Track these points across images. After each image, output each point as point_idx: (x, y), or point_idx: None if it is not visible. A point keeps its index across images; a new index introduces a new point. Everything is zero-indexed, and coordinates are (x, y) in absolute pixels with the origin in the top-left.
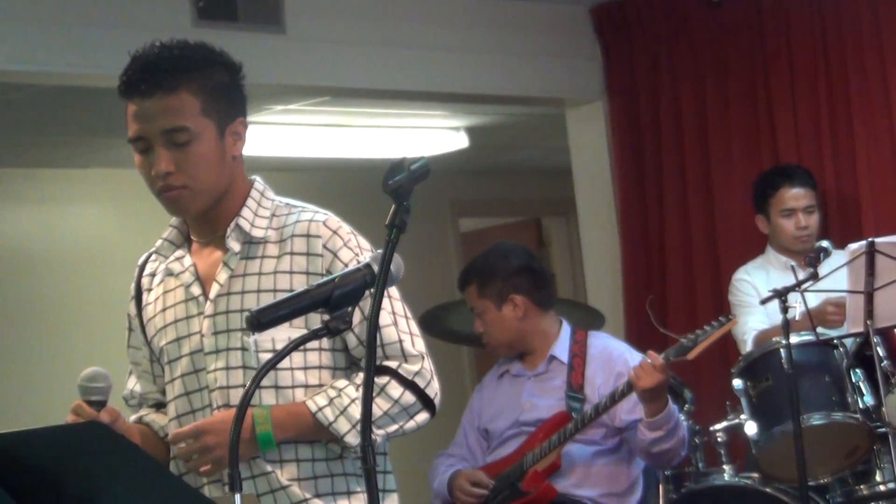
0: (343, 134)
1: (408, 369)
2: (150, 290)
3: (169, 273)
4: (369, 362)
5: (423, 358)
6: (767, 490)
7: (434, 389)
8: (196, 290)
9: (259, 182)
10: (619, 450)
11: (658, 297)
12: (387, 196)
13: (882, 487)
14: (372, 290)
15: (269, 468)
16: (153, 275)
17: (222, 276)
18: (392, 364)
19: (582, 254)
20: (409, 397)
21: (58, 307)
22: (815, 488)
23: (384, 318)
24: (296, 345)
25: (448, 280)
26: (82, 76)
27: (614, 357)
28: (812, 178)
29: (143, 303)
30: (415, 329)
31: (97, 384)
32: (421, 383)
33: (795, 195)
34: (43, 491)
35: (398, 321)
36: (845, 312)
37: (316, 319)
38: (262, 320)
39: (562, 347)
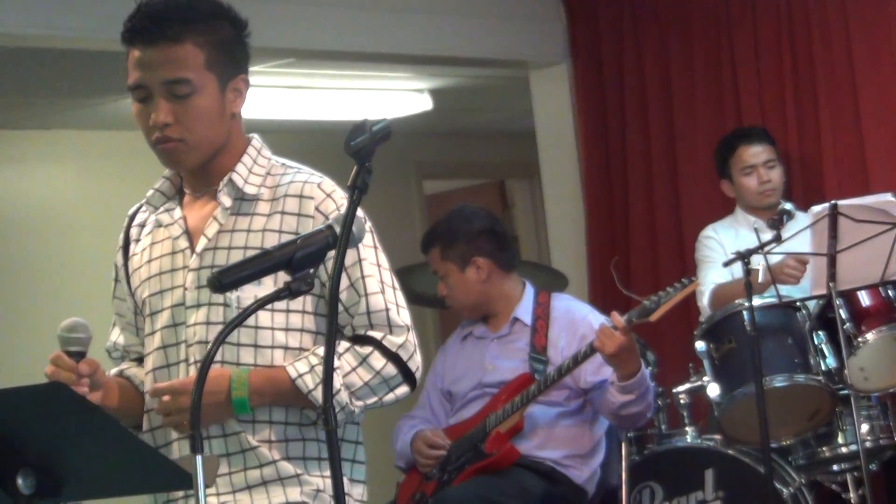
0: (307, 96)
1: (392, 341)
2: (137, 240)
3: (158, 224)
4: (330, 324)
5: (408, 330)
6: (730, 452)
7: (416, 363)
8: (183, 242)
9: (257, 140)
10: (582, 411)
11: (621, 260)
12: (350, 158)
13: (844, 449)
14: (350, 250)
15: (239, 428)
16: (142, 225)
17: (211, 230)
18: (377, 334)
19: (546, 216)
20: (391, 369)
21: (20, 268)
22: (778, 450)
23: (373, 285)
24: (259, 305)
25: (413, 242)
26: (44, 37)
27: (577, 319)
28: (768, 134)
29: (130, 253)
30: (402, 300)
31: (76, 335)
32: (404, 356)
33: (754, 152)
34: (3, 453)
35: (386, 290)
36: (804, 271)
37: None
38: (223, 281)
39: (525, 309)
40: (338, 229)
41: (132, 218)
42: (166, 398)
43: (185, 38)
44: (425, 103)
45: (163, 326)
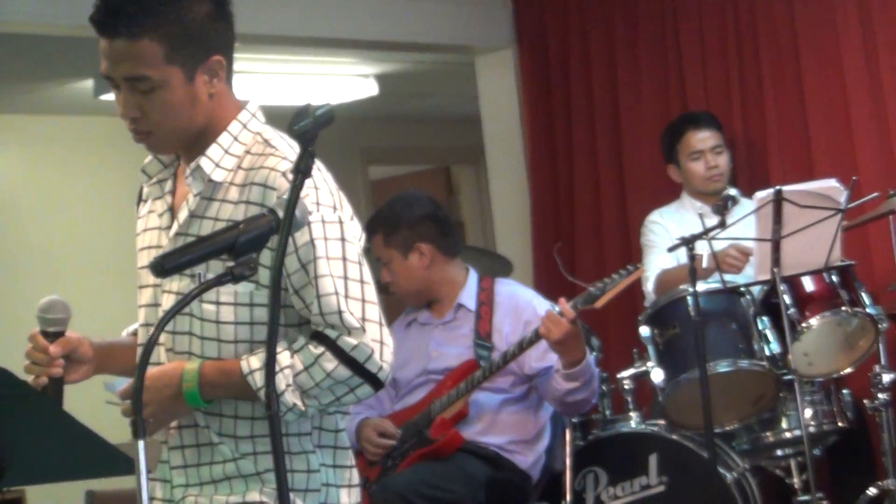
0: (252, 81)
1: (347, 342)
2: (145, 200)
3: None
4: (272, 314)
5: (364, 331)
6: (674, 437)
7: (377, 364)
8: (166, 220)
9: (246, 111)
10: (526, 397)
11: (567, 246)
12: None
13: (788, 434)
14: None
15: (202, 422)
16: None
17: (182, 214)
18: (332, 334)
19: (491, 201)
20: (343, 371)
21: None
22: (721, 435)
23: (326, 285)
24: (200, 291)
25: None
26: None
27: (521, 305)
28: (716, 119)
29: (139, 212)
30: (370, 295)
31: (53, 315)
32: (359, 358)
33: (702, 137)
34: None
35: (349, 287)
36: (746, 261)
37: (267, 276)
38: (165, 266)
39: (469, 295)
40: (280, 214)
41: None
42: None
43: (141, 34)
44: (371, 88)
45: (146, 304)
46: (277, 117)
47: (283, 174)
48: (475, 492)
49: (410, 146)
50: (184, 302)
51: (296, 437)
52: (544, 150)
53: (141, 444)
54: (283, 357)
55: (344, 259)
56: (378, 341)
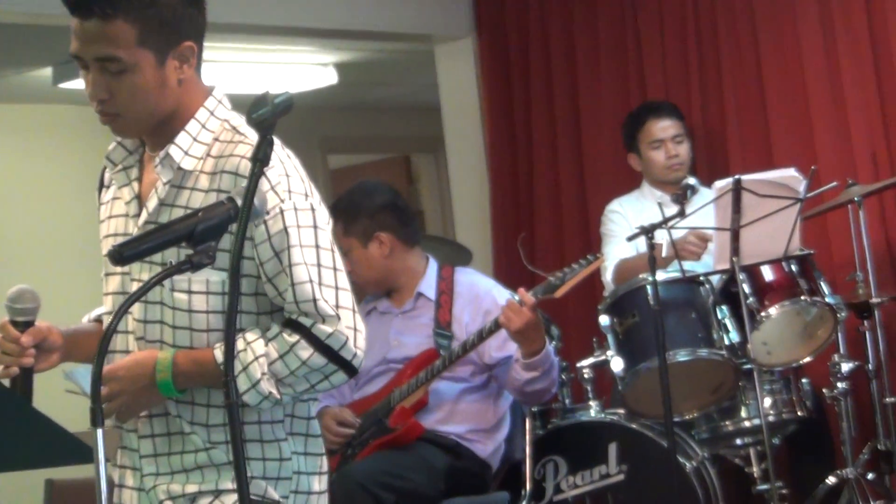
0: (211, 69)
1: (321, 330)
2: (108, 186)
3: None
4: (231, 300)
5: (339, 318)
6: (633, 426)
7: (351, 351)
8: (133, 208)
9: (213, 98)
10: (486, 387)
11: (526, 235)
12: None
13: (747, 423)
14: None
15: (173, 411)
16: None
17: (152, 202)
18: (306, 322)
19: (451, 190)
20: (319, 359)
21: None
22: (681, 424)
23: (301, 273)
24: (158, 280)
25: None
26: None
27: (481, 294)
28: (678, 109)
29: (101, 199)
30: (342, 282)
31: (22, 304)
32: (334, 345)
33: (663, 126)
34: None
35: (323, 275)
36: (705, 247)
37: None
38: (124, 254)
39: (428, 284)
40: (239, 202)
41: (107, 158)
42: (105, 388)
43: (115, 15)
44: (330, 77)
45: (114, 292)
46: (237, 105)
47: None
48: (435, 480)
49: (370, 135)
50: (143, 290)
51: (269, 424)
52: (504, 139)
53: (99, 432)
54: (258, 346)
55: (317, 247)
56: (352, 328)
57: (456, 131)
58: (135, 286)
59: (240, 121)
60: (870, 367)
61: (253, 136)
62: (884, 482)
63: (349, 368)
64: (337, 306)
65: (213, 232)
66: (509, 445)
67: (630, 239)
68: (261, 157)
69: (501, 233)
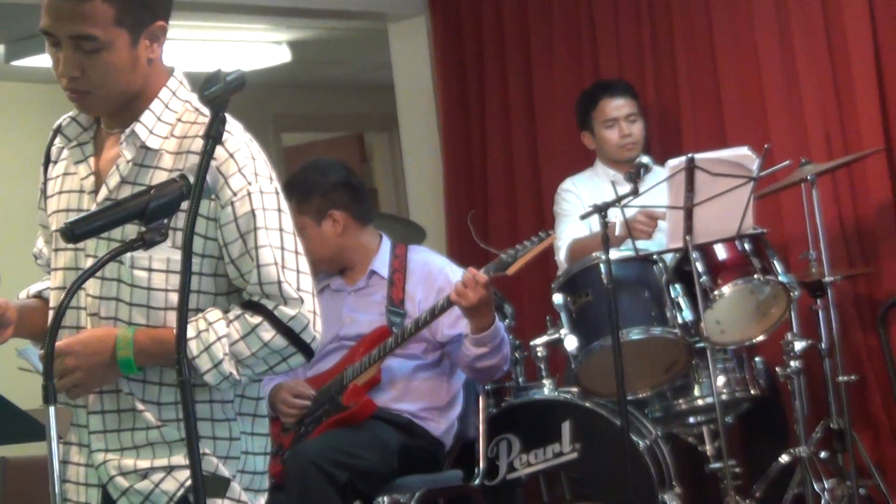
0: (165, 47)
1: (284, 312)
2: (55, 162)
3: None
4: (183, 278)
5: (302, 301)
6: (587, 404)
7: (311, 334)
8: (89, 185)
9: (174, 79)
10: (439, 364)
11: (480, 213)
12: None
13: (700, 402)
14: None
15: (125, 388)
16: (62, 147)
17: (112, 180)
18: (269, 304)
19: (404, 169)
20: (280, 341)
21: None
22: (634, 402)
23: (266, 255)
24: (110, 257)
25: None
26: None
27: (434, 272)
28: (632, 88)
29: (49, 174)
30: (303, 266)
31: None
32: (296, 328)
33: (616, 105)
34: None
35: (286, 258)
36: (655, 226)
37: (199, 244)
38: (76, 232)
39: (382, 262)
40: (191, 179)
41: (55, 133)
42: (58, 364)
43: None
44: (284, 55)
45: (65, 267)
46: (191, 83)
47: (222, 143)
48: (388, 458)
49: (324, 113)
50: (96, 267)
51: (219, 404)
52: (457, 118)
53: (51, 409)
54: (220, 326)
55: (281, 230)
56: (312, 312)
57: (409, 109)
58: (89, 262)
59: (200, 105)
60: (823, 345)
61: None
62: (836, 460)
63: (307, 351)
64: (299, 289)
65: (165, 209)
66: (462, 424)
67: (584, 217)
68: (213, 135)
69: (455, 211)
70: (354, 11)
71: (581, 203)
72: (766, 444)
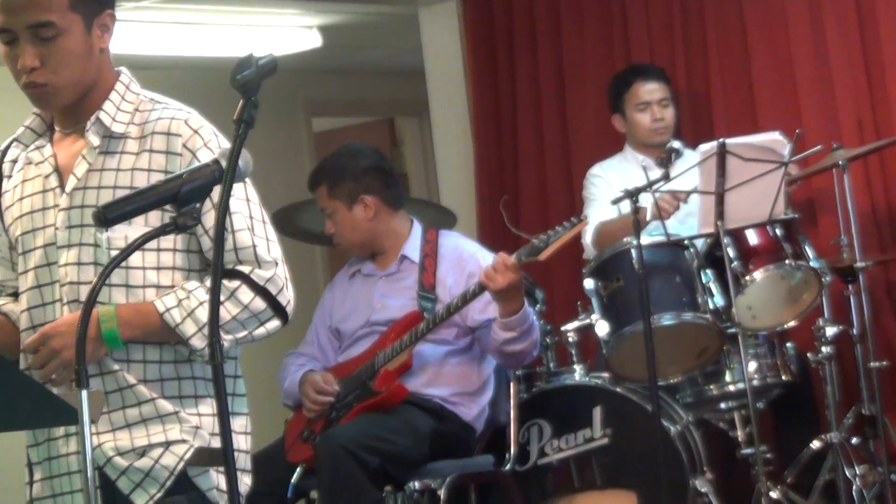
0: (195, 32)
1: (260, 275)
2: (9, 176)
3: (28, 161)
4: (216, 260)
5: (276, 264)
6: (617, 389)
7: (286, 297)
8: (53, 181)
9: (125, 75)
10: (470, 349)
11: (511, 198)
12: (237, 95)
13: (731, 387)
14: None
15: (116, 367)
16: (14, 161)
17: (80, 169)
18: (245, 269)
19: (435, 154)
20: (259, 303)
21: None
22: (665, 388)
23: (239, 221)
24: (143, 241)
25: (301, 180)
26: None
27: (465, 257)
28: (665, 73)
29: (2, 190)
30: (271, 234)
31: None
32: (273, 290)
33: (650, 89)
34: None
35: (255, 226)
36: (677, 206)
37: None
38: (108, 216)
39: (413, 247)
40: (224, 164)
41: (4, 153)
42: (43, 349)
43: None
44: (314, 40)
45: (36, 265)
46: (220, 68)
47: (185, 122)
48: (419, 444)
49: (354, 98)
50: (127, 252)
51: (202, 381)
52: (488, 103)
53: (84, 393)
54: (199, 293)
55: (247, 200)
56: (285, 277)
57: (440, 94)
58: (62, 253)
59: (156, 95)
60: (854, 331)
61: (175, 104)
62: (868, 447)
63: (283, 315)
64: (270, 254)
65: (198, 193)
66: (494, 409)
67: (615, 202)
68: (245, 119)
69: (486, 196)
70: None
71: (610, 188)
72: (798, 429)
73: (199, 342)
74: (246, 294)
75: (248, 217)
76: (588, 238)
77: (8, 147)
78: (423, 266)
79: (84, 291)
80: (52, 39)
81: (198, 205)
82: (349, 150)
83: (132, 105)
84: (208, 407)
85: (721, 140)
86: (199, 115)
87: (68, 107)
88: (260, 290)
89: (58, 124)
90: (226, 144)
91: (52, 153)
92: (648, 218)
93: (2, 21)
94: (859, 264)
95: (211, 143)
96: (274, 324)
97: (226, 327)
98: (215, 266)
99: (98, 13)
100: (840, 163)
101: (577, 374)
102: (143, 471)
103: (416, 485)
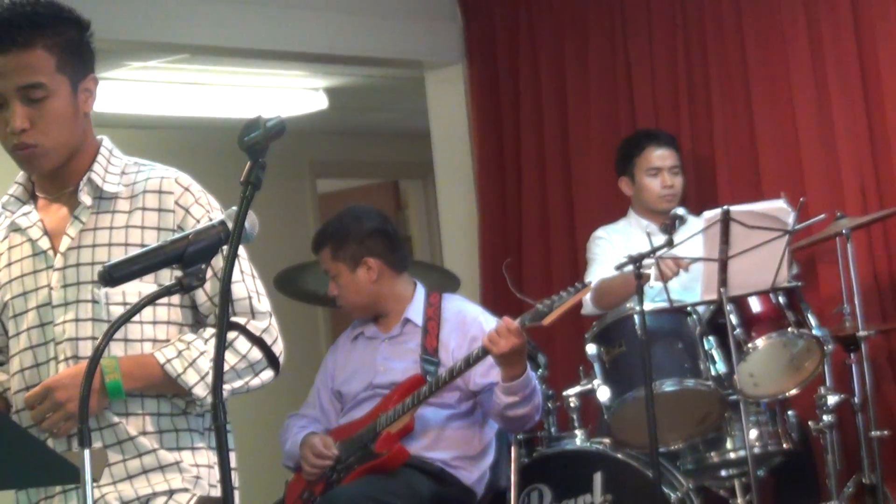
0: (202, 92)
1: (256, 326)
2: None
3: (15, 228)
4: (222, 318)
5: (270, 315)
6: (618, 455)
7: (280, 348)
8: (44, 244)
9: (107, 141)
10: (472, 413)
11: (514, 262)
12: (243, 156)
13: (733, 455)
14: (226, 247)
15: (116, 419)
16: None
17: (73, 229)
18: (241, 320)
19: (439, 217)
20: (256, 353)
21: None
22: (666, 454)
23: (234, 274)
24: (150, 300)
25: (305, 241)
26: None
27: (468, 320)
28: (676, 141)
29: None
30: (261, 288)
31: None
32: (268, 340)
33: (661, 155)
34: None
35: (246, 279)
36: (676, 271)
37: (166, 275)
38: (114, 275)
39: (416, 310)
40: (230, 225)
41: None
42: (45, 404)
43: (35, 43)
44: (321, 102)
45: (29, 327)
46: (227, 129)
47: (175, 180)
48: None
49: (359, 160)
50: (135, 309)
51: (198, 433)
52: (493, 166)
53: (86, 452)
54: (199, 344)
55: (238, 256)
56: (277, 329)
57: (445, 157)
58: (59, 312)
59: (136, 159)
60: (856, 400)
61: (160, 166)
62: None
63: (276, 366)
64: (262, 306)
65: (203, 254)
66: (494, 473)
67: (618, 268)
68: (253, 181)
69: (489, 259)
70: (392, 59)
71: (613, 249)
72: (798, 498)
73: (200, 391)
74: (243, 344)
75: (241, 271)
76: (588, 296)
77: None
78: (426, 329)
79: (84, 346)
80: (41, 101)
81: (203, 265)
82: (353, 212)
83: (118, 168)
84: (205, 457)
85: (725, 207)
86: (185, 175)
87: (54, 171)
88: (256, 341)
89: (41, 191)
90: (214, 202)
91: (40, 218)
92: (651, 284)
93: None
94: (861, 333)
95: (201, 200)
96: (268, 374)
97: (224, 377)
98: (221, 319)
99: (83, 77)
100: (843, 231)
101: (579, 439)
102: None
103: None
